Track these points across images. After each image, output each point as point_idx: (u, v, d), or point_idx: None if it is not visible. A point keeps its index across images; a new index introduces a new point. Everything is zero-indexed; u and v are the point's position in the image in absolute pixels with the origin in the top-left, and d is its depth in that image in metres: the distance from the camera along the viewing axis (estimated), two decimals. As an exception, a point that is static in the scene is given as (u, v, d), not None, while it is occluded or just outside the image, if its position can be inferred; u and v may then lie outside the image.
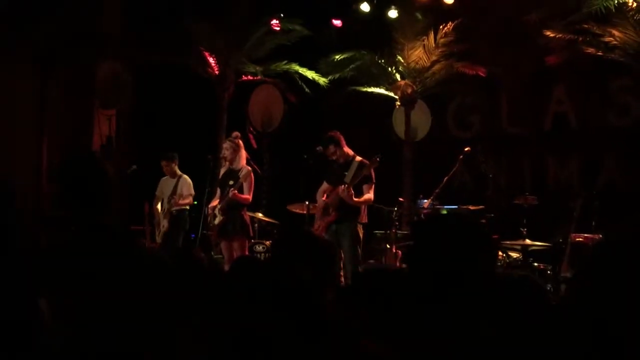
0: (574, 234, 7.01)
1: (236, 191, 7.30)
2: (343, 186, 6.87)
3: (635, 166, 8.82)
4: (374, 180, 7.05)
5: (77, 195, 2.35)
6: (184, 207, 8.92)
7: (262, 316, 1.88)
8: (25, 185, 9.00)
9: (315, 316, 1.96)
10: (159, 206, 8.97)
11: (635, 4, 7.56)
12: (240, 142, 7.73)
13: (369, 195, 7.00)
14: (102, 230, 2.29)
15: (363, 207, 7.07)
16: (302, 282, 1.99)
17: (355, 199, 6.90)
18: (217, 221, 7.52)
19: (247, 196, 7.46)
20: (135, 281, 2.20)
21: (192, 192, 8.95)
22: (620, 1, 7.49)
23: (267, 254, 8.46)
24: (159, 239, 8.83)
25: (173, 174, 8.97)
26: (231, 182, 7.42)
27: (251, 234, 7.84)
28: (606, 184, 9.31)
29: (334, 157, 7.15)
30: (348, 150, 7.18)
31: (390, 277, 2.56)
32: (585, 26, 8.01)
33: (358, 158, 7.08)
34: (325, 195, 7.22)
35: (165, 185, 8.99)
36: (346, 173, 7.00)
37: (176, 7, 9.83)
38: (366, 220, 7.09)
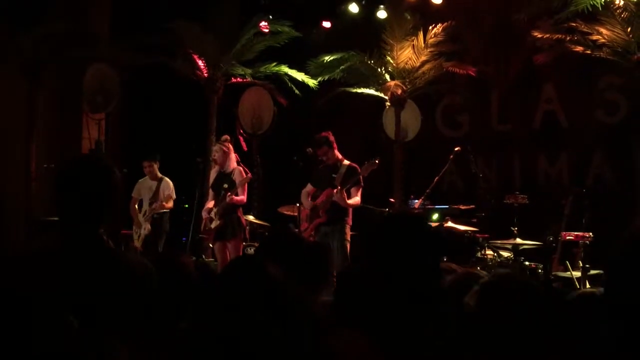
0: (564, 232, 7.04)
1: (233, 196, 7.35)
2: (337, 189, 6.94)
3: (624, 163, 8.87)
4: (362, 183, 7.13)
5: (75, 200, 2.27)
6: (165, 211, 8.90)
7: (250, 320, 1.87)
8: (15, 191, 8.96)
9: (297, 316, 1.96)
10: (136, 207, 8.92)
11: (622, 2, 7.58)
12: (230, 145, 7.74)
13: (357, 198, 7.09)
14: (90, 238, 2.25)
15: (350, 209, 7.15)
16: (287, 284, 1.98)
17: (348, 202, 6.98)
18: (213, 225, 7.53)
19: (242, 197, 7.53)
20: (118, 289, 2.18)
21: (174, 195, 8.92)
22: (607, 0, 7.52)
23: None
24: (138, 243, 8.78)
25: (154, 176, 8.92)
26: (226, 186, 7.44)
27: (246, 236, 7.89)
28: (595, 181, 9.36)
29: (324, 158, 7.21)
30: (337, 153, 7.25)
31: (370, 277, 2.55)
32: (573, 24, 8.04)
33: (346, 162, 7.18)
34: (310, 197, 7.28)
35: (144, 187, 8.94)
36: (334, 176, 7.06)
37: (164, 10, 9.80)
38: (351, 223, 7.17)
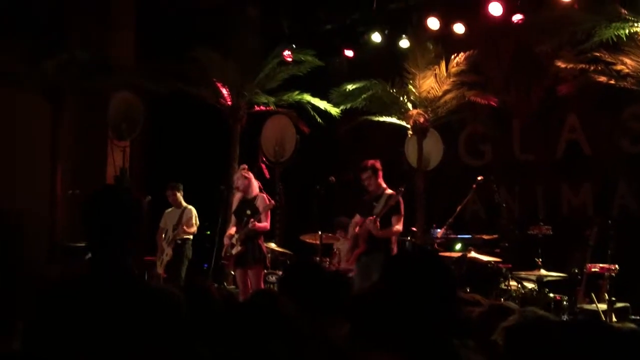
0: (589, 264, 6.94)
1: (256, 222, 7.37)
2: (370, 218, 6.94)
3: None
4: (403, 212, 7.10)
5: (102, 228, 2.30)
6: (188, 237, 8.95)
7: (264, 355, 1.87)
8: (39, 215, 9.05)
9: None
10: (163, 236, 8.99)
11: (646, 33, 7.56)
12: (250, 172, 7.80)
13: (398, 227, 7.06)
14: (116, 268, 2.27)
15: (393, 238, 7.11)
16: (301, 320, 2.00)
17: (382, 231, 6.94)
18: (234, 251, 7.54)
19: (266, 224, 7.55)
20: (143, 321, 2.19)
21: (197, 222, 8.96)
22: (632, 30, 7.49)
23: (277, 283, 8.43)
24: (161, 269, 8.83)
25: (178, 204, 9.00)
26: (249, 212, 7.46)
27: (267, 264, 7.88)
28: (620, 211, 9.24)
29: (367, 185, 7.22)
30: (382, 182, 7.27)
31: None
32: (597, 54, 8.02)
33: (388, 191, 7.19)
34: (357, 228, 7.28)
35: (169, 216, 9.03)
36: (375, 204, 7.06)
37: (188, 38, 9.93)
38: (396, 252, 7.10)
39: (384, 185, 7.30)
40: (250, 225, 7.37)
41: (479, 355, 2.18)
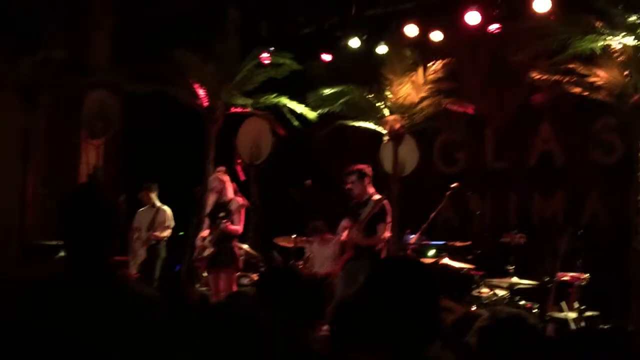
0: (559, 273, 7.04)
1: (229, 223, 7.34)
2: (352, 226, 6.93)
3: (619, 204, 8.90)
4: (389, 220, 7.08)
5: (84, 228, 2.26)
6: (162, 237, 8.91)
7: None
8: (9, 214, 8.93)
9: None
10: (136, 235, 8.92)
11: (620, 46, 7.68)
12: (226, 175, 7.77)
13: (384, 234, 7.02)
14: (95, 267, 2.24)
15: (381, 245, 7.09)
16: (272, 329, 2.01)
17: (366, 239, 6.92)
18: (206, 253, 7.52)
19: (238, 227, 7.52)
20: (125, 318, 2.18)
21: (171, 223, 8.91)
22: (606, 43, 7.61)
23: (252, 287, 8.42)
24: (134, 269, 8.78)
25: (151, 204, 8.95)
26: (222, 214, 7.44)
27: (240, 266, 7.85)
28: (591, 221, 9.38)
29: (350, 188, 7.16)
30: (370, 188, 7.20)
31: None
32: (571, 66, 8.13)
33: (375, 197, 7.12)
34: (345, 232, 7.24)
35: (142, 216, 8.96)
36: (362, 211, 7.04)
37: (165, 38, 9.88)
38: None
39: (372, 191, 7.23)
40: (222, 226, 7.35)
41: (449, 354, 2.21)
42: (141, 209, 9.03)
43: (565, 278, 6.86)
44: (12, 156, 9.10)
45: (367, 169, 7.28)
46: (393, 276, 2.08)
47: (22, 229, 8.83)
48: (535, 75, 8.36)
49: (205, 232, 7.73)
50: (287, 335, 2.64)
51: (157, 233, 8.78)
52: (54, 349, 2.08)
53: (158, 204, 8.98)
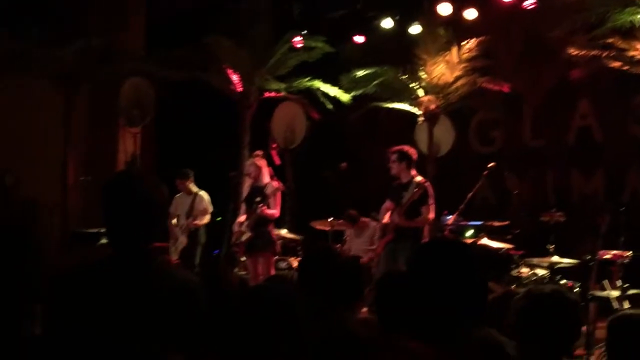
0: (601, 251, 6.92)
1: (265, 208, 7.37)
2: (395, 209, 6.89)
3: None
4: (432, 202, 7.01)
5: (127, 215, 2.27)
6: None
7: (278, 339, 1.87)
8: (51, 202, 9.11)
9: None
10: (174, 221, 8.98)
11: (660, 18, 7.50)
12: (263, 159, 7.79)
13: (427, 216, 6.97)
14: (137, 253, 2.27)
15: (424, 228, 7.05)
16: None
17: (408, 221, 6.87)
18: (244, 238, 7.57)
19: (275, 211, 7.54)
20: (168, 304, 2.20)
21: (210, 208, 8.96)
22: (646, 15, 7.43)
23: (290, 271, 8.46)
24: (175, 255, 8.87)
25: (188, 192, 8.98)
26: (258, 199, 7.46)
27: (277, 250, 7.89)
28: (632, 197, 9.21)
29: (392, 170, 7.10)
30: (413, 171, 7.12)
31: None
32: (610, 40, 7.96)
33: (418, 179, 7.05)
34: (388, 214, 7.19)
35: (181, 202, 9.01)
36: (404, 193, 6.98)
37: (198, 25, 9.92)
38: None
39: (414, 173, 7.12)
40: (259, 211, 7.38)
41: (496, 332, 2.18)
42: (178, 195, 9.09)
43: (607, 256, 6.74)
44: (53, 144, 9.27)
45: (411, 151, 7.16)
46: (440, 257, 2.06)
47: (64, 217, 9.00)
48: (573, 50, 8.21)
49: (242, 218, 7.78)
50: (327, 318, 2.65)
51: (196, 221, 8.84)
52: (96, 335, 2.12)
53: (195, 189, 9.03)
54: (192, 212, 8.87)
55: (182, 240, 8.87)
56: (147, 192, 2.28)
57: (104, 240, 8.13)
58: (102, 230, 7.96)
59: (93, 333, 2.14)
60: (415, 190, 6.89)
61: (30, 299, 2.73)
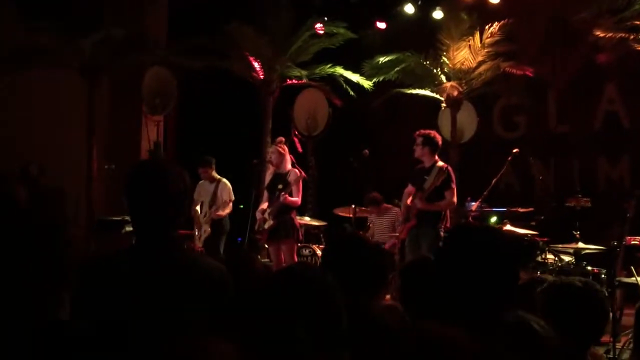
0: (628, 237, 6.84)
1: (287, 195, 7.36)
2: (417, 193, 6.85)
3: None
4: (454, 186, 6.97)
5: (150, 202, 2.26)
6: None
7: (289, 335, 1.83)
8: (76, 191, 9.19)
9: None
10: (198, 208, 8.98)
11: (689, 0, 7.36)
12: (285, 146, 7.77)
13: (450, 200, 6.93)
14: (162, 241, 2.27)
15: (446, 211, 7.03)
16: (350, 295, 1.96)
17: (431, 205, 6.85)
18: (267, 225, 7.56)
19: (297, 199, 7.52)
20: (196, 291, 2.20)
21: (232, 197, 8.92)
22: (674, -3, 7.30)
23: (313, 258, 8.47)
24: (199, 243, 8.88)
25: (211, 179, 8.93)
26: (280, 186, 7.45)
27: (300, 238, 7.88)
28: (659, 184, 9.07)
29: (418, 155, 7.05)
30: (436, 157, 7.08)
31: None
32: (637, 23, 7.83)
33: (440, 163, 7.00)
34: (410, 198, 7.16)
35: (204, 189, 8.98)
36: (427, 177, 6.94)
37: (220, 13, 9.91)
38: (449, 225, 6.99)
39: (436, 158, 7.06)
40: (281, 198, 7.36)
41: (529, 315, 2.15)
42: (200, 182, 9.07)
43: (634, 242, 6.66)
44: (77, 134, 9.33)
45: (437, 137, 7.09)
46: (468, 242, 2.03)
47: (89, 205, 9.07)
48: (599, 33, 8.08)
49: (264, 205, 7.78)
50: (353, 306, 2.63)
51: (219, 212, 8.80)
52: (121, 322, 2.13)
53: (217, 177, 9.02)
54: (215, 199, 8.86)
55: (206, 229, 8.86)
56: (170, 180, 2.28)
57: (128, 228, 8.18)
58: (127, 217, 8.03)
59: (119, 320, 2.15)
60: (437, 174, 6.84)
61: (58, 286, 2.75)
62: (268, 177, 7.90)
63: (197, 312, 2.16)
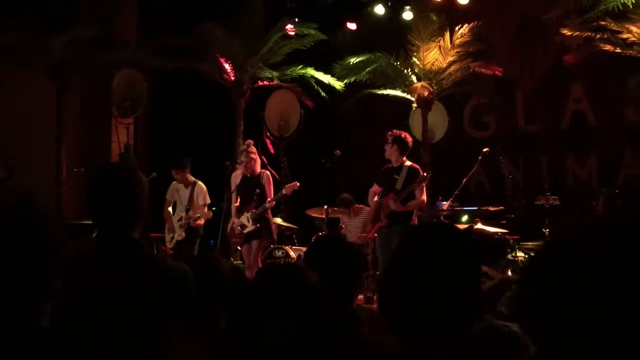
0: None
1: (273, 202, 7.47)
2: (393, 196, 6.88)
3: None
4: (425, 183, 7.00)
5: (108, 205, 2.31)
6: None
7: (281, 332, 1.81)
8: (45, 194, 9.06)
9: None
10: (170, 209, 8.85)
11: (653, 0, 7.50)
12: (255, 149, 7.78)
13: (421, 197, 6.98)
14: (123, 244, 2.28)
15: (414, 212, 7.08)
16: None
17: (404, 206, 6.89)
18: (247, 230, 7.60)
19: (273, 202, 7.65)
20: (156, 292, 2.20)
21: (208, 200, 8.78)
22: (638, -2, 7.43)
23: (285, 259, 8.46)
24: (170, 245, 8.76)
25: (187, 183, 8.75)
26: (258, 191, 7.49)
27: (274, 237, 7.97)
28: (626, 181, 9.24)
29: (388, 155, 7.08)
30: (403, 156, 7.11)
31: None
32: (603, 23, 7.95)
33: (408, 163, 7.04)
34: (376, 196, 7.19)
35: (178, 192, 8.80)
36: (397, 177, 6.97)
37: (190, 13, 9.85)
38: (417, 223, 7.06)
39: (405, 158, 7.11)
40: (267, 206, 7.46)
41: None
42: (174, 183, 8.90)
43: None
44: (46, 137, 9.20)
45: (407, 137, 7.12)
46: (429, 242, 1.93)
47: (58, 209, 8.95)
48: (566, 33, 8.20)
49: (235, 206, 7.79)
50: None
51: (199, 222, 8.60)
52: (89, 327, 2.12)
53: (193, 179, 8.89)
54: (191, 204, 8.72)
55: (181, 233, 8.72)
56: (125, 183, 2.32)
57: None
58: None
59: (86, 324, 2.13)
60: (409, 175, 6.89)
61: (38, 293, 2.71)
62: (235, 179, 7.89)
63: (159, 312, 2.16)
